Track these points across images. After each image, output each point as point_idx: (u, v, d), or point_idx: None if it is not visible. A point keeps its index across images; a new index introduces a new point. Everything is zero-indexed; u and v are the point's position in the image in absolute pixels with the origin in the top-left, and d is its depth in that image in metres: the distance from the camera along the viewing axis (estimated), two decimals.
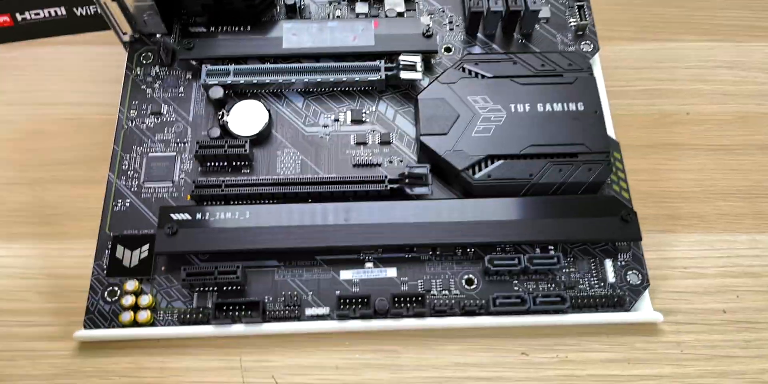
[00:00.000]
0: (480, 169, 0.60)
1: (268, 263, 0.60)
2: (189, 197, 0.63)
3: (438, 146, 0.61)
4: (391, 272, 0.59)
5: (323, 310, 0.57)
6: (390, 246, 0.58)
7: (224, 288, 0.58)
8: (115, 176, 0.65)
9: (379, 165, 0.64)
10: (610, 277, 0.58)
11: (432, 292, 0.58)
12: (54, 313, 0.61)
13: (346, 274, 0.59)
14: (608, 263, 0.59)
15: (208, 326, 0.57)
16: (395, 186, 0.60)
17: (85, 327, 0.58)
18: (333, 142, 0.65)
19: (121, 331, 0.57)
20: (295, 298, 0.58)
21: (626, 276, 0.58)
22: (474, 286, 0.58)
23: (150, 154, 0.65)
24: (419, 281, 0.59)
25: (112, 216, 0.63)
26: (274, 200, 0.62)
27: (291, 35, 0.69)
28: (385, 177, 0.61)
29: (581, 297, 0.57)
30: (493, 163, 0.60)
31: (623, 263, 0.59)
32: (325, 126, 0.66)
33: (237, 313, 0.56)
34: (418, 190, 0.60)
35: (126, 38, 0.71)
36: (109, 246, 0.61)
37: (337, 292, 0.58)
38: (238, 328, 0.56)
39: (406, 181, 0.60)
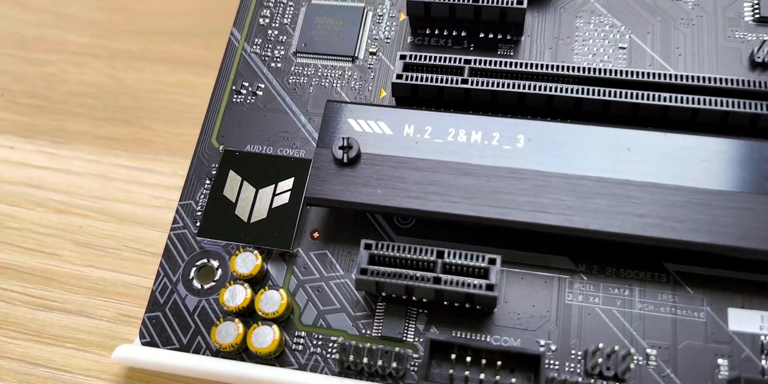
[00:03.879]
0: None
1: (553, 262, 0.27)
2: (383, 94, 0.30)
3: None
4: None
5: None
6: None
7: (448, 305, 0.26)
8: (242, 37, 0.33)
9: None
10: None
11: None
12: (96, 289, 0.31)
13: (744, 320, 0.25)
14: None
15: None
16: None
17: (141, 337, 0.28)
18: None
19: (212, 362, 0.26)
20: (621, 360, 0.24)
21: None
22: None
23: (313, 1, 0.33)
24: None
25: (225, 112, 0.31)
26: (576, 115, 0.28)
27: None
28: None
29: None
30: None
31: None
32: None
33: (479, 373, 0.24)
34: None
35: None
36: (213, 172, 0.30)
37: (722, 367, 0.24)
38: None
39: None
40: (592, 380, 0.23)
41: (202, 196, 0.29)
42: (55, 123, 0.39)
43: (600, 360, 0.23)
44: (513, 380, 0.23)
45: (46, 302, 0.31)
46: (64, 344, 0.29)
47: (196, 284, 0.27)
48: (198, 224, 0.28)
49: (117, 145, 0.38)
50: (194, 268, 0.28)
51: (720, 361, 0.24)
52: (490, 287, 0.24)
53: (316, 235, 0.28)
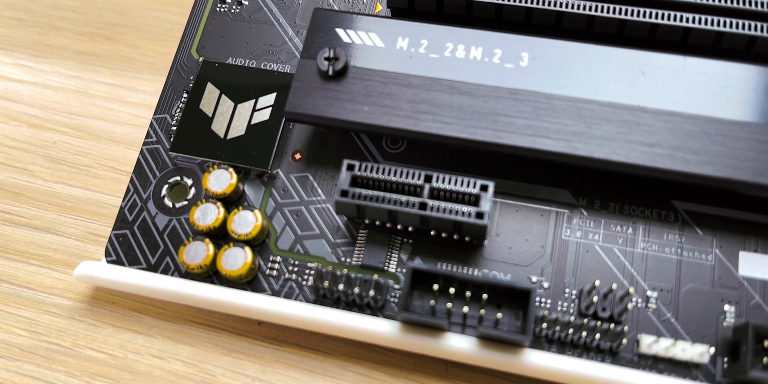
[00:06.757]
0: None
1: (551, 195, 0.24)
2: (378, 7, 0.27)
3: None
4: None
5: (696, 352, 0.22)
6: None
7: (435, 235, 0.24)
8: None
9: None
10: None
11: None
12: (66, 206, 0.29)
13: (756, 265, 0.22)
14: None
15: (384, 321, 0.23)
16: None
17: (107, 255, 0.26)
18: None
19: (179, 283, 0.24)
20: (618, 301, 0.22)
21: None
22: None
23: None
24: None
25: (208, 22, 0.29)
26: (586, 36, 0.25)
27: None
28: None
29: None
30: None
31: None
32: None
33: (463, 306, 0.22)
34: None
35: None
36: (191, 85, 0.28)
37: (729, 314, 0.22)
38: (458, 343, 0.22)
39: None
40: (585, 320, 0.22)
41: (179, 110, 0.27)
42: (35, 37, 0.37)
43: (595, 299, 0.22)
44: (499, 315, 0.21)
45: (13, 217, 0.29)
46: (28, 261, 0.28)
47: (168, 202, 0.26)
48: (171, 138, 0.26)
49: (98, 62, 0.35)
50: (166, 186, 0.26)
51: (727, 307, 0.22)
52: (480, 215, 0.22)
53: (297, 156, 0.26)
